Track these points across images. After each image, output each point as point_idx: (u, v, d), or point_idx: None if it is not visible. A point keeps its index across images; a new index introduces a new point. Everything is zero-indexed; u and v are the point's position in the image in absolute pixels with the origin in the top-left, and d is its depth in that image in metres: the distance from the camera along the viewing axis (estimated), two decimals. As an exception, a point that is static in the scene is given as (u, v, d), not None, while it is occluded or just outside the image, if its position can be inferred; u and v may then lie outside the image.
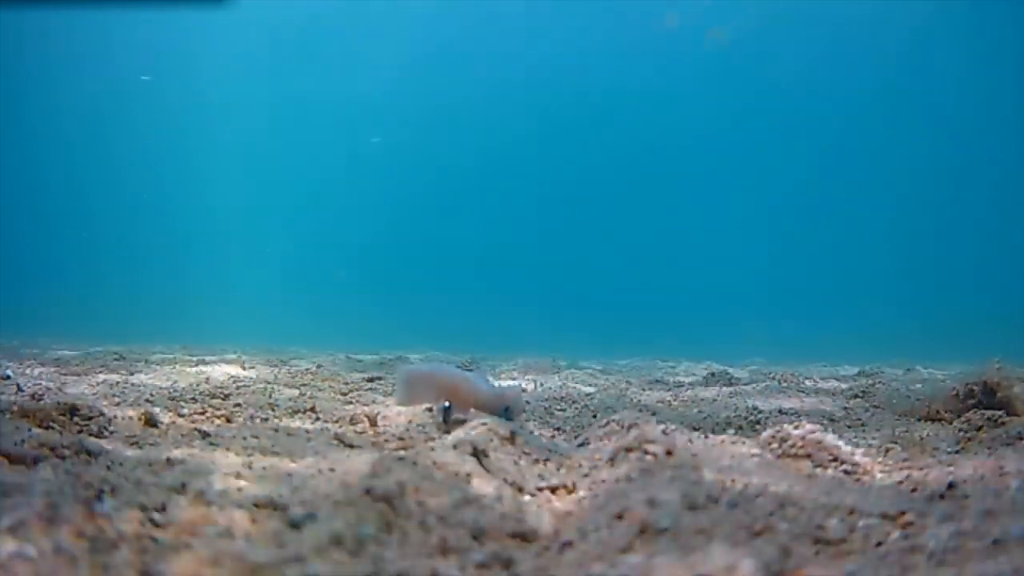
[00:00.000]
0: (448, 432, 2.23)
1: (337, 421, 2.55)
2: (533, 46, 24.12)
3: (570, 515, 1.48)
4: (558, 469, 1.88)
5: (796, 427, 2.31)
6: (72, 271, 22.86)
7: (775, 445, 2.01)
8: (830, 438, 2.13)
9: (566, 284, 24.30)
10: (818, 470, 1.86)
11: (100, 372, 4.16)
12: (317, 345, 8.87)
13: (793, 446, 1.97)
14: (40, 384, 2.79)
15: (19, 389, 2.66)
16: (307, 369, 4.97)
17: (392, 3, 23.10)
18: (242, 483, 1.47)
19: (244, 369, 4.76)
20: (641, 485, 1.48)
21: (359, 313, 19.74)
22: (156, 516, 1.21)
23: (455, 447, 1.73)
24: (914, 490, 1.64)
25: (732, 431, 2.53)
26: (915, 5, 20.12)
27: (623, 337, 13.59)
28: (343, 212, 26.91)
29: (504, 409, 2.39)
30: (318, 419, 2.58)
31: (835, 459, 1.92)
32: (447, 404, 2.42)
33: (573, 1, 22.80)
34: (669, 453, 1.66)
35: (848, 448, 2.07)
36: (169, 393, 3.07)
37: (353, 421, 2.53)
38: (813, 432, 2.17)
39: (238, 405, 2.73)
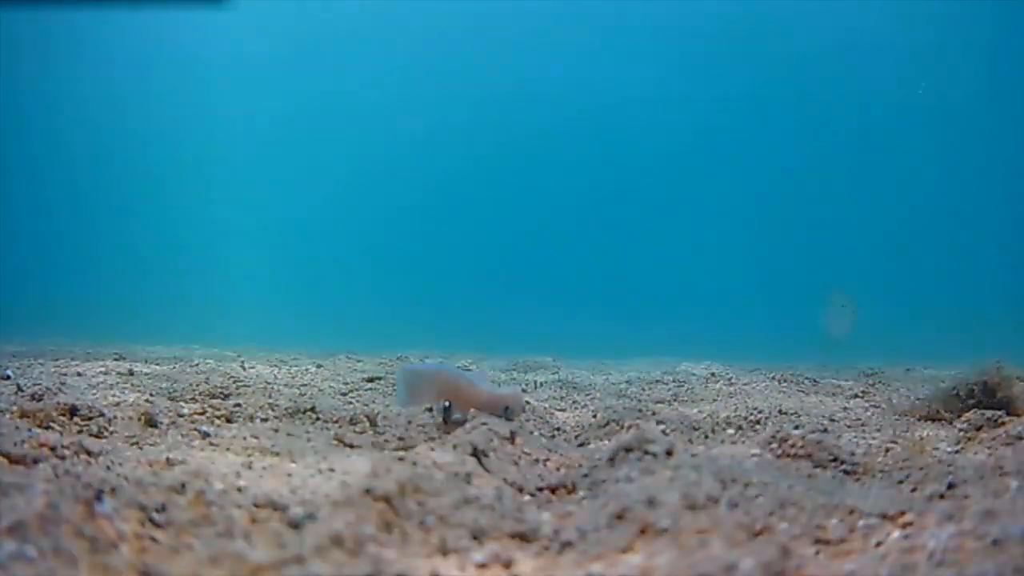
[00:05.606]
0: (448, 432, 2.23)
1: (337, 421, 2.55)
2: (531, 49, 24.15)
3: (570, 515, 1.48)
4: (558, 469, 1.88)
5: (796, 427, 2.31)
6: (72, 270, 22.86)
7: (775, 445, 2.01)
8: (830, 438, 2.13)
9: (566, 284, 24.32)
10: (818, 470, 1.86)
11: (100, 372, 4.16)
12: (317, 345, 8.87)
13: (793, 446, 1.97)
14: (40, 384, 2.79)
15: (19, 389, 2.66)
16: (307, 369, 4.97)
17: (400, 5, 23.12)
18: (242, 483, 1.48)
19: (244, 369, 4.75)
20: (641, 485, 1.48)
21: (359, 313, 19.74)
22: (156, 516, 1.21)
23: (455, 447, 1.73)
24: (914, 490, 1.64)
25: (732, 431, 2.53)
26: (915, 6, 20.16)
27: (623, 337, 13.58)
28: (343, 212, 26.91)
29: (504, 409, 2.40)
30: (318, 419, 2.59)
31: (835, 459, 1.92)
32: (447, 404, 2.42)
33: (575, 3, 22.83)
34: (669, 453, 1.66)
35: (848, 448, 2.07)
36: (169, 393, 3.07)
37: (353, 421, 2.53)
38: (813, 432, 2.17)
39: (238, 405, 2.73)
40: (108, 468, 1.58)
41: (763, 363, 6.43)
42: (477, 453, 1.71)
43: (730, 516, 1.30)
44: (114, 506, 1.19)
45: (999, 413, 2.56)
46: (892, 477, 1.82)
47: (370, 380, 4.32)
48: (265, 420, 2.52)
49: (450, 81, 25.24)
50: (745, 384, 4.36)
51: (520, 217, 27.02)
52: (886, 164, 23.14)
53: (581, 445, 2.40)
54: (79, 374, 4.00)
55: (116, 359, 5.11)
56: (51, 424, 2.16)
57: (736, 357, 7.43)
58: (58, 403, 2.26)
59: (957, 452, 2.19)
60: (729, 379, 4.67)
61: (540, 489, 1.69)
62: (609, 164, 26.14)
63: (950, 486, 1.51)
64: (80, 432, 2.13)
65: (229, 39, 22.15)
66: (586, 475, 1.76)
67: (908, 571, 1.12)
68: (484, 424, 2.03)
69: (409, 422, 2.49)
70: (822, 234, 23.76)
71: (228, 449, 1.95)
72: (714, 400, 3.63)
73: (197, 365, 4.83)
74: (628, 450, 1.71)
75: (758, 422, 2.67)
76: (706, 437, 2.42)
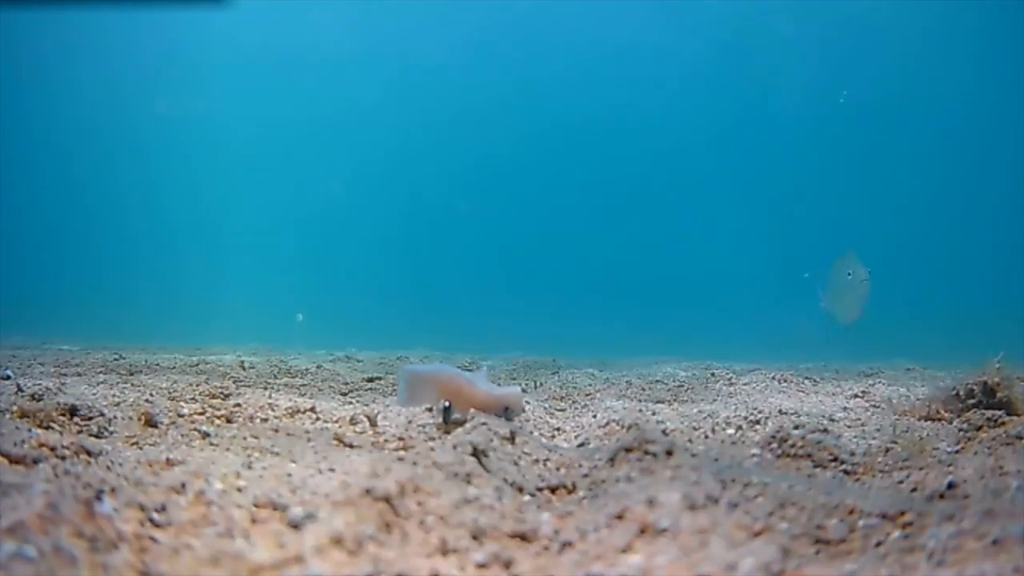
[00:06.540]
0: (448, 432, 2.23)
1: (337, 421, 2.55)
2: (531, 50, 24.20)
3: (570, 515, 1.48)
4: (558, 469, 1.88)
5: (796, 427, 2.31)
6: (72, 270, 22.85)
7: (775, 445, 2.01)
8: (830, 438, 2.13)
9: (566, 284, 24.32)
10: (818, 470, 1.86)
11: (100, 372, 4.16)
12: (317, 345, 8.87)
13: (793, 446, 1.97)
14: (40, 384, 2.79)
15: (19, 389, 2.66)
16: (307, 369, 4.97)
17: (401, 4, 23.13)
18: (242, 483, 1.47)
19: (244, 368, 4.76)
20: (641, 485, 1.48)
21: (360, 313, 19.74)
22: (156, 516, 1.21)
23: (455, 447, 1.73)
24: (914, 490, 1.64)
25: (732, 431, 2.53)
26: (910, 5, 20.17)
27: (623, 338, 13.59)
28: (344, 212, 26.92)
29: (504, 409, 2.40)
30: (318, 419, 2.58)
31: (835, 459, 1.92)
32: (447, 404, 2.43)
33: (572, 7, 22.85)
34: (669, 453, 1.66)
35: (848, 448, 2.07)
36: (169, 393, 3.07)
37: (353, 421, 2.53)
38: (813, 432, 2.17)
39: (238, 405, 2.73)
40: (108, 468, 1.58)
41: (763, 363, 6.43)
42: (477, 453, 1.71)
43: (730, 516, 1.30)
44: (114, 506, 1.19)
45: (999, 413, 2.56)
46: (892, 477, 1.82)
47: (370, 380, 4.33)
48: (265, 420, 2.52)
49: (452, 82, 25.27)
50: (745, 384, 4.36)
51: (521, 217, 27.03)
52: (885, 162, 23.16)
53: (581, 445, 2.40)
54: (79, 374, 4.00)
55: (116, 359, 5.11)
56: (51, 424, 2.16)
57: (736, 357, 7.43)
58: (58, 403, 2.26)
59: (957, 452, 2.19)
60: (729, 379, 4.67)
61: (540, 489, 1.68)
62: (609, 164, 26.17)
63: (950, 486, 1.51)
64: (80, 432, 2.13)
65: (229, 38, 22.17)
66: (586, 475, 1.76)
67: (908, 571, 1.12)
68: (484, 424, 2.03)
69: (409, 422, 2.49)
70: (821, 234, 23.76)
71: (228, 449, 1.95)
72: (714, 400, 3.63)
73: (197, 365, 4.83)
74: (628, 450, 1.71)
75: (758, 422, 2.67)
76: (706, 437, 2.42)
